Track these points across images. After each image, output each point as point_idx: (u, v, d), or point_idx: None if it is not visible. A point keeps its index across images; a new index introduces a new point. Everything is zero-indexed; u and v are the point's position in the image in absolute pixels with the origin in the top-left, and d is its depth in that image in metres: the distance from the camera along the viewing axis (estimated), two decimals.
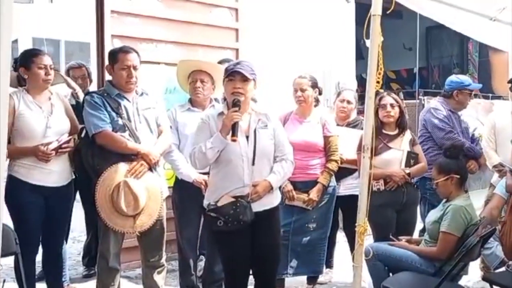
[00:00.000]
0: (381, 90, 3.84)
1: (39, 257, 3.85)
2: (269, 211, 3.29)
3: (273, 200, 3.32)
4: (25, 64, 3.57)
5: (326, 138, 4.26)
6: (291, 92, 4.33)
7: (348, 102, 4.72)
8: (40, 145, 3.47)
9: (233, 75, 3.19)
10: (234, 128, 3.11)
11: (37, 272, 3.96)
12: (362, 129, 4.28)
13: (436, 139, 4.63)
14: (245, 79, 3.17)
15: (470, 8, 4.16)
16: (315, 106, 4.40)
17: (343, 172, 4.42)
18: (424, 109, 5.00)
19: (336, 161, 4.26)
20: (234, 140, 3.11)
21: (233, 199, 3.15)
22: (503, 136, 4.57)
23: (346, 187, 4.52)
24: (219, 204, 3.17)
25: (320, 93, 4.43)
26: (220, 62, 4.44)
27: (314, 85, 4.30)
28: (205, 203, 3.29)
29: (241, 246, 3.24)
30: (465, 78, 4.96)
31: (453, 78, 4.97)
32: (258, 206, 3.22)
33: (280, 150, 3.33)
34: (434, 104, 4.89)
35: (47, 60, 3.60)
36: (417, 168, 4.19)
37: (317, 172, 4.23)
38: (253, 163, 3.20)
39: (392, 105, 4.20)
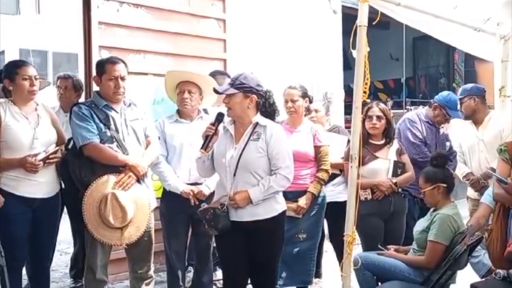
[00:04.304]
0: (368, 100, 3.87)
1: (24, 270, 3.81)
2: (263, 223, 3.30)
3: (261, 211, 3.30)
4: (9, 76, 3.54)
5: (316, 148, 4.28)
6: (280, 102, 4.35)
7: (316, 110, 4.77)
8: (27, 156, 3.44)
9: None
10: (205, 140, 3.34)
11: (23, 285, 3.91)
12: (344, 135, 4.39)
13: (408, 153, 4.49)
14: (229, 94, 3.29)
15: (455, 19, 4.22)
16: (305, 115, 4.42)
17: None
18: (402, 118, 5.00)
19: (326, 170, 4.27)
20: (202, 152, 3.36)
21: (215, 206, 3.29)
22: (468, 146, 4.75)
23: (329, 194, 4.53)
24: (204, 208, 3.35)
25: (310, 102, 4.47)
26: (211, 74, 4.45)
27: (304, 95, 4.33)
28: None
29: (235, 253, 3.33)
30: (455, 100, 4.82)
31: (451, 96, 4.86)
32: (247, 216, 3.28)
33: (273, 164, 3.32)
34: (411, 115, 4.87)
35: (31, 71, 3.57)
36: (404, 178, 4.21)
37: (307, 182, 4.23)
38: (234, 174, 3.27)
39: (378, 117, 4.22)
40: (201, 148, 3.36)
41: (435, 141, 4.79)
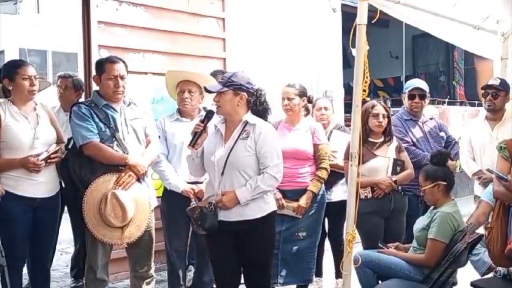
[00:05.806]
0: (368, 99, 3.86)
1: (25, 269, 3.81)
2: (251, 223, 3.26)
3: (249, 212, 3.26)
4: (9, 76, 3.53)
5: (315, 146, 4.28)
6: (278, 100, 4.35)
7: (325, 108, 4.76)
8: (29, 156, 3.43)
9: None
10: (193, 137, 3.31)
11: (23, 285, 3.92)
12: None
13: None
14: (219, 92, 3.28)
15: (455, 17, 4.22)
16: (305, 115, 4.41)
17: (334, 178, 4.43)
18: None
19: (325, 169, 4.27)
20: (190, 149, 3.35)
21: (203, 205, 3.28)
22: (479, 144, 4.61)
23: (337, 193, 4.54)
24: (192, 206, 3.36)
25: (310, 102, 4.46)
26: (212, 74, 4.45)
27: (302, 94, 4.32)
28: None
29: (224, 253, 3.31)
30: (410, 83, 4.83)
31: (407, 83, 4.93)
32: (235, 216, 3.25)
33: (261, 163, 3.28)
34: (393, 120, 4.57)
35: (31, 70, 3.56)
36: (403, 175, 4.20)
37: (307, 181, 4.23)
38: (222, 173, 3.25)
39: (384, 115, 4.21)
40: (189, 145, 3.33)
41: (425, 136, 4.68)
